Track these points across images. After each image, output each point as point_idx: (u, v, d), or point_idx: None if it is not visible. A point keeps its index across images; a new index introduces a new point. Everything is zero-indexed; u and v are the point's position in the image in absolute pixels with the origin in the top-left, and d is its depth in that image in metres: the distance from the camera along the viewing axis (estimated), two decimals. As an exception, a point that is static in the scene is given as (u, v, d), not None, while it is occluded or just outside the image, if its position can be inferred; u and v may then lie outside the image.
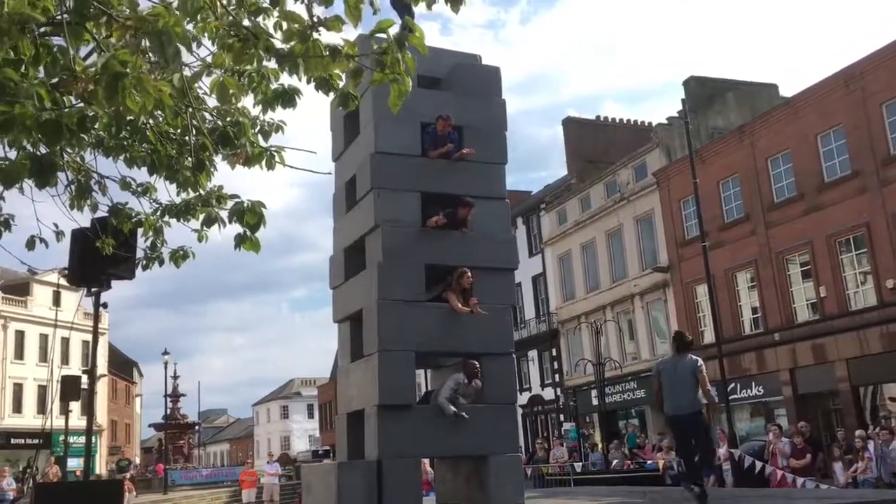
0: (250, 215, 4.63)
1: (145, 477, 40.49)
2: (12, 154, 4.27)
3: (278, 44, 3.55)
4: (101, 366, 50.46)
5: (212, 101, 4.46)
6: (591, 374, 31.85)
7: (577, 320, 36.24)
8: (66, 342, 46.92)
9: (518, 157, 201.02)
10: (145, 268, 5.91)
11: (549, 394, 39.46)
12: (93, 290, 7.52)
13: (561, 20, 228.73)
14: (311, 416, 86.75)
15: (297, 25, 3.48)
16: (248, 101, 4.45)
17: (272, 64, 3.78)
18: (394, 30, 3.50)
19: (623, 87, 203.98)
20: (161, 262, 5.78)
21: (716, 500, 9.44)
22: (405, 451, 8.88)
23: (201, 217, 5.12)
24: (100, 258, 6.29)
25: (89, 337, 41.83)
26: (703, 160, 27.47)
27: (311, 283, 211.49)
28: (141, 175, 5.05)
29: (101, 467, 47.65)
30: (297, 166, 4.82)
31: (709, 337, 26.81)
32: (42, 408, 45.35)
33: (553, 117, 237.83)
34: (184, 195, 5.06)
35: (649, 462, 21.62)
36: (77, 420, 32.38)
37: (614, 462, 24.03)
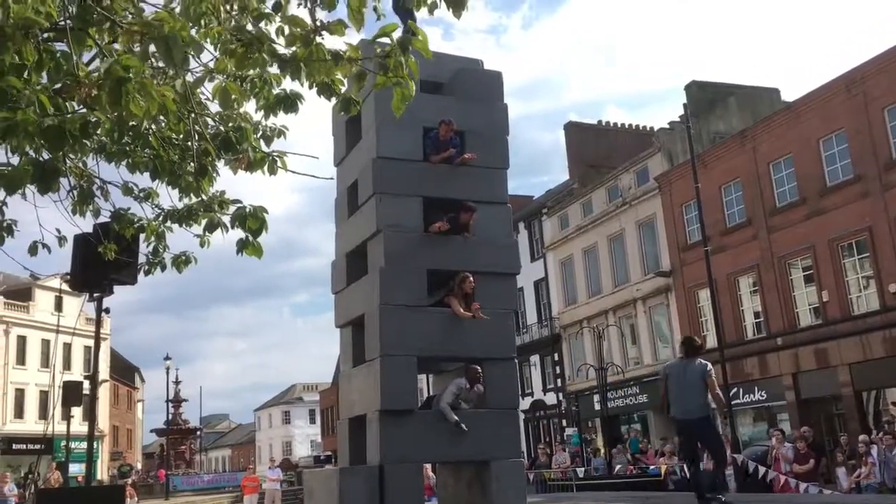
0: (252, 220, 4.63)
1: (147, 482, 40.46)
2: (14, 160, 4.28)
3: (281, 48, 3.55)
4: (103, 371, 50.43)
5: (214, 107, 4.46)
6: (594, 379, 31.79)
7: (580, 325, 36.21)
8: (67, 347, 46.84)
9: (520, 161, 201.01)
10: (147, 273, 5.91)
11: (551, 399, 39.40)
12: (95, 295, 7.52)
13: (562, 25, 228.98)
14: (312, 421, 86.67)
15: (299, 29, 3.48)
16: (250, 107, 4.45)
17: (274, 69, 3.78)
18: (397, 34, 3.50)
19: (625, 91, 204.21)
20: (163, 268, 5.78)
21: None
22: (407, 457, 8.86)
23: (203, 222, 5.12)
24: (102, 263, 6.29)
25: (91, 342, 41.80)
26: (704, 165, 27.46)
27: (313, 288, 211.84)
28: (143, 180, 5.06)
29: (103, 473, 47.59)
30: (299, 171, 4.86)
31: (711, 342, 26.69)
32: (44, 413, 45.36)
33: (555, 122, 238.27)
34: (186, 200, 5.07)
35: (652, 467, 21.57)
36: (79, 425, 32.29)
37: (618, 467, 23.98)
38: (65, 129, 3.30)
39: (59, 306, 39.39)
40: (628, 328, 34.22)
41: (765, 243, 26.47)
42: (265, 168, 4.60)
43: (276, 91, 4.24)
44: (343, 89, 3.96)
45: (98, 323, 7.96)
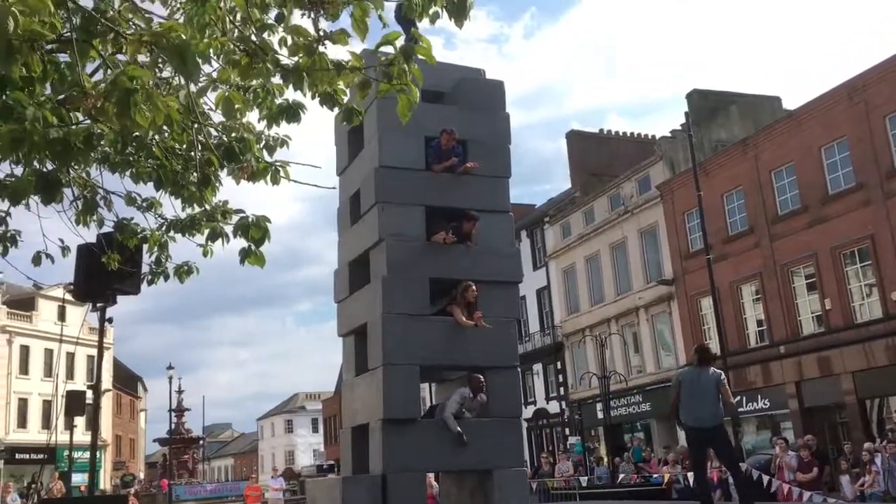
0: (255, 230, 4.64)
1: (150, 492, 40.34)
2: (18, 171, 4.30)
3: (284, 59, 3.56)
4: (106, 381, 50.45)
5: (217, 117, 4.48)
6: (596, 388, 31.72)
7: (582, 333, 36.16)
8: (70, 357, 46.89)
9: (522, 170, 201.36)
10: (150, 283, 5.92)
11: (553, 407, 39.32)
12: (98, 305, 7.53)
13: (564, 34, 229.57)
14: (315, 430, 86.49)
15: (303, 39, 3.50)
16: (252, 117, 4.47)
17: (277, 79, 3.80)
18: (400, 42, 3.52)
19: (626, 100, 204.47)
20: (166, 278, 5.79)
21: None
22: (410, 466, 8.85)
23: (206, 232, 5.13)
24: (105, 273, 6.30)
25: (94, 352, 41.84)
26: (706, 173, 27.48)
27: (316, 297, 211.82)
28: (146, 190, 5.07)
29: (106, 483, 47.57)
30: (302, 181, 4.84)
31: (714, 350, 26.67)
32: (47, 423, 45.34)
33: (557, 131, 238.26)
34: (189, 210, 5.08)
35: (655, 476, 21.50)
36: (82, 435, 32.31)
37: (622, 476, 23.91)
38: (70, 141, 3.32)
39: (62, 316, 39.47)
40: (631, 336, 34.17)
41: (767, 251, 26.45)
42: (268, 178, 4.62)
43: (278, 101, 4.26)
44: (345, 99, 3.99)
45: (101, 332, 7.98)
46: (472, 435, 9.05)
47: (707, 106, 32.55)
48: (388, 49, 3.55)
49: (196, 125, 4.22)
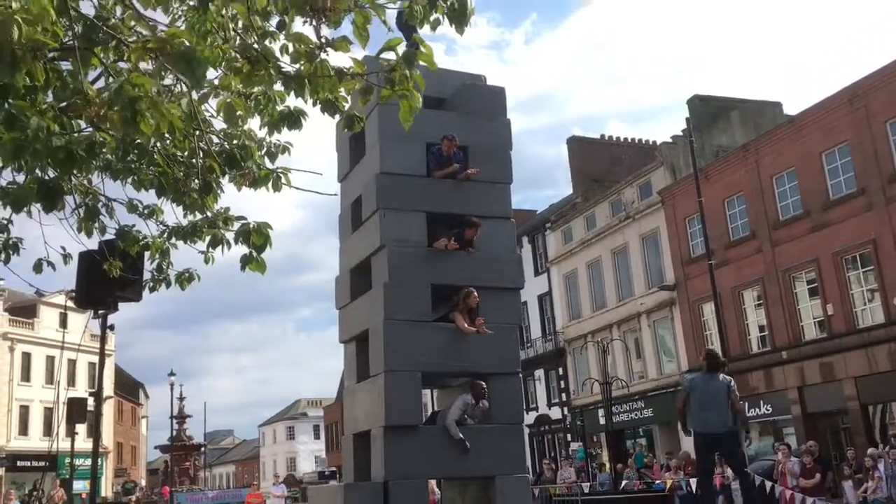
0: (256, 236, 4.64)
1: (151, 499, 40.29)
2: (20, 178, 4.30)
3: (286, 66, 3.57)
4: (108, 387, 50.51)
5: (218, 124, 4.49)
6: (598, 394, 31.66)
7: (584, 339, 36.13)
8: (72, 364, 46.90)
9: (523, 176, 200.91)
10: (152, 290, 5.92)
11: (555, 413, 39.27)
12: (100, 312, 7.53)
13: (565, 40, 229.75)
14: (317, 436, 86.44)
15: (304, 46, 3.51)
16: (254, 124, 4.48)
17: (278, 86, 3.80)
18: (401, 48, 3.53)
19: (627, 105, 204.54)
20: (168, 284, 5.79)
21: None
22: (411, 472, 8.84)
23: (207, 239, 5.13)
24: (107, 281, 6.31)
25: (96, 358, 41.83)
26: (707, 178, 27.49)
27: (317, 304, 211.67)
28: (148, 197, 5.07)
29: (107, 490, 47.52)
30: (303, 187, 4.85)
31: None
32: (48, 430, 45.30)
33: (558, 136, 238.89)
34: (190, 217, 5.08)
35: (657, 482, 21.45)
36: (83, 442, 32.31)
37: (625, 482, 23.85)
38: (72, 149, 3.33)
39: (63, 323, 39.41)
40: (633, 342, 34.14)
41: (769, 256, 26.44)
42: (269, 184, 4.63)
43: (280, 108, 4.27)
44: (346, 106, 3.99)
45: (103, 339, 7.98)
46: (474, 441, 9.03)
47: (708, 111, 32.58)
48: (390, 55, 3.56)
49: (198, 132, 4.23)
